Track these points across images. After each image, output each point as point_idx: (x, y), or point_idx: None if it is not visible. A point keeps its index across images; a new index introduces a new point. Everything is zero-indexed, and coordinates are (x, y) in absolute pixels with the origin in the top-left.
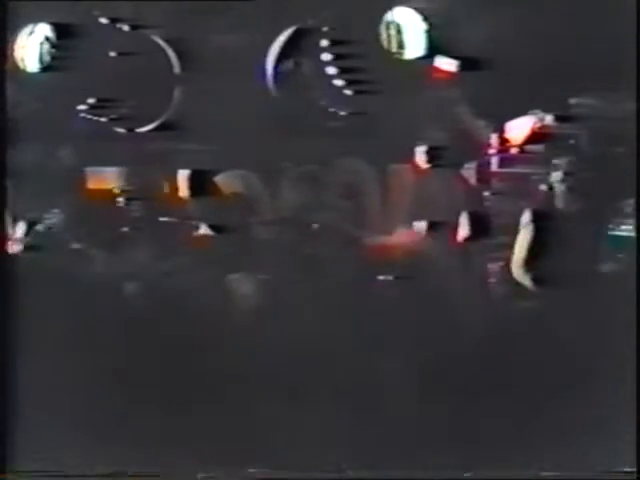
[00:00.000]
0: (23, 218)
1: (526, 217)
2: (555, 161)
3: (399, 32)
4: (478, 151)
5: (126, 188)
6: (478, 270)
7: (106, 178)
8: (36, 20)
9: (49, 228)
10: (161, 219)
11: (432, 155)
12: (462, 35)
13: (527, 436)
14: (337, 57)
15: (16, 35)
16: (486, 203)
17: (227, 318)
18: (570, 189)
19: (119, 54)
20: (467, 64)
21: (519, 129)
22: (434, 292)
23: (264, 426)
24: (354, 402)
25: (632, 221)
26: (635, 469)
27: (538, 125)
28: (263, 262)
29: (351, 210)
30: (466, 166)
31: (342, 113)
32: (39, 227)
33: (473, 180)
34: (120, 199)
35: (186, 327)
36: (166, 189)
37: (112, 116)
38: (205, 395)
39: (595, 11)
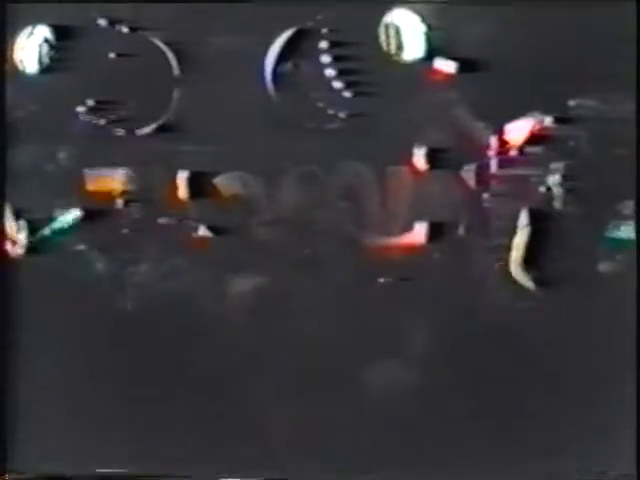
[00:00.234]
0: (22, 220)
1: (523, 218)
2: (554, 163)
3: (398, 34)
4: (477, 153)
5: (125, 190)
6: (478, 271)
7: (105, 180)
8: (35, 22)
9: (48, 230)
10: (160, 221)
11: (431, 157)
12: (461, 37)
13: (526, 437)
14: (336, 59)
15: (15, 37)
16: (485, 205)
17: (226, 319)
18: (569, 191)
19: (118, 56)
20: (466, 66)
21: (518, 131)
22: (434, 293)
23: (264, 426)
24: (354, 402)
25: (631, 222)
26: (635, 471)
27: (537, 127)
28: (262, 263)
29: (351, 211)
30: (465, 168)
31: (341, 115)
32: (38, 229)
33: (472, 182)
34: (119, 201)
35: (185, 328)
36: (165, 191)
37: (111, 118)
38: (205, 395)
39: (595, 12)
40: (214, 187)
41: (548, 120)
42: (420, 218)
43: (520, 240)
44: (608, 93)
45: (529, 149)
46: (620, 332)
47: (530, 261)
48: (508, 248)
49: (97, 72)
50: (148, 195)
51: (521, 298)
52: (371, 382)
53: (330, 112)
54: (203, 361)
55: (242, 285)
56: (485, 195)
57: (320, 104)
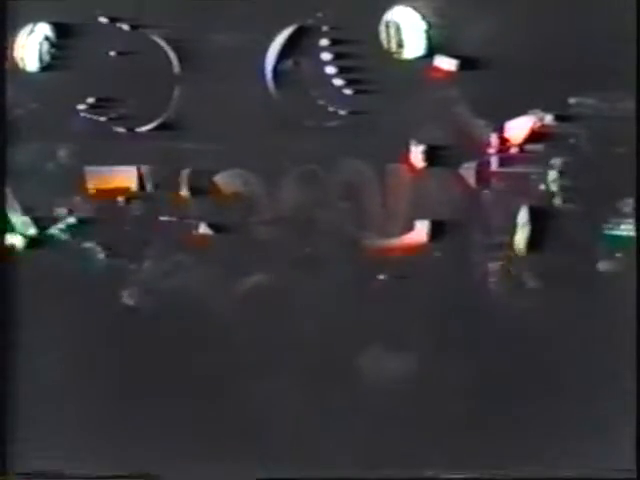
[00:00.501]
0: (23, 217)
1: (524, 216)
2: (554, 160)
3: (398, 31)
4: (478, 151)
5: (126, 187)
6: (478, 269)
7: (105, 177)
8: (36, 19)
9: (49, 228)
10: (161, 218)
11: (432, 155)
12: (461, 34)
13: (527, 435)
14: (337, 56)
15: (16, 34)
16: (486, 202)
17: (227, 317)
18: (569, 188)
19: (119, 53)
20: (467, 63)
21: (519, 129)
22: (433, 291)
23: (265, 425)
24: (354, 401)
25: (631, 220)
26: (635, 468)
27: (538, 125)
28: (263, 261)
29: (351, 210)
30: (466, 165)
31: (342, 112)
32: (39, 227)
33: (473, 180)
34: (120, 198)
35: (186, 325)
36: (166, 188)
37: (112, 115)
38: (205, 394)
39: (595, 11)
40: (215, 185)
41: (548, 118)
42: (420, 216)
43: (520, 238)
44: (608, 91)
45: (529, 147)
46: (620, 329)
47: (530, 259)
48: (508, 246)
49: (98, 70)
50: (149, 193)
51: (521, 296)
52: (371, 380)
53: (330, 110)
54: (203, 358)
55: (242, 283)
56: (485, 193)
57: (320, 102)
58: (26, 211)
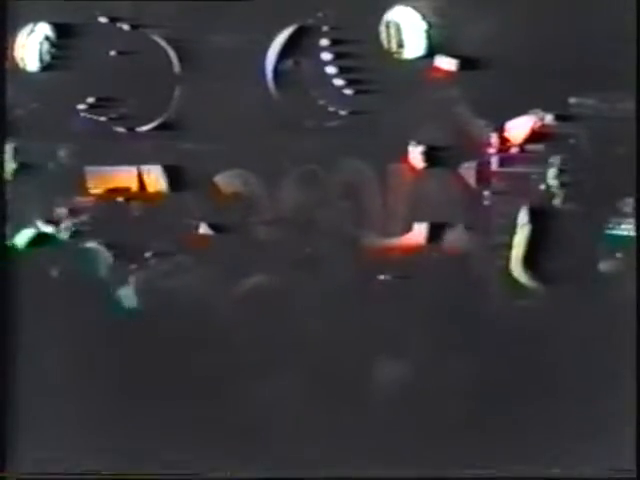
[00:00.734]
0: (23, 218)
1: (524, 216)
2: (555, 160)
3: (399, 31)
4: (478, 151)
5: (126, 187)
6: (478, 269)
7: (106, 177)
8: (36, 19)
9: (49, 228)
10: (161, 218)
11: (432, 155)
12: (462, 34)
13: (527, 435)
14: (337, 56)
15: (16, 34)
16: (486, 202)
17: (227, 317)
18: (570, 188)
19: (119, 53)
20: (467, 63)
21: (519, 128)
22: (434, 291)
23: (265, 425)
24: (355, 400)
25: (631, 220)
26: (635, 468)
27: (538, 124)
28: (263, 262)
29: (351, 210)
30: (466, 165)
31: (342, 112)
32: (39, 226)
33: (473, 180)
34: (120, 198)
35: (186, 326)
36: (166, 188)
37: (112, 115)
38: (205, 395)
39: (595, 11)
40: (215, 185)
41: (548, 118)
42: (421, 216)
43: (520, 238)
44: (608, 91)
45: (529, 147)
46: (620, 329)
47: (530, 259)
48: (508, 246)
49: (98, 70)
50: (149, 192)
51: (521, 296)
52: (371, 381)
53: (331, 110)
54: (203, 359)
55: (242, 283)
56: (485, 193)
57: (321, 102)
58: (25, 211)
